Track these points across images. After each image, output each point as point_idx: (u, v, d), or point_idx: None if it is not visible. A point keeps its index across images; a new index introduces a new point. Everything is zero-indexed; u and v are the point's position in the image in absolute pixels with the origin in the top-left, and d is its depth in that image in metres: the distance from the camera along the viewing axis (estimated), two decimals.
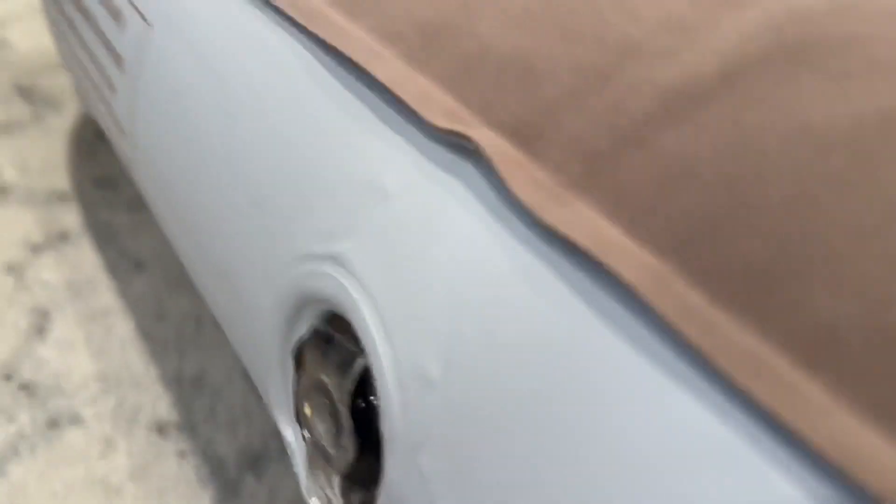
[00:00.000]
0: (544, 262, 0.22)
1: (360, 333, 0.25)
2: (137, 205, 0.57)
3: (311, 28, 0.30)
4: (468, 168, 0.25)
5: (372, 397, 0.27)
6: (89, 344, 0.46)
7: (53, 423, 0.41)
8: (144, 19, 0.40)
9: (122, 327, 0.47)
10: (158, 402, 0.42)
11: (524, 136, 0.24)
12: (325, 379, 0.27)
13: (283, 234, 0.30)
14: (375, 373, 0.25)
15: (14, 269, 0.52)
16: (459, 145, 0.25)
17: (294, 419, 0.31)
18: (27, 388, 0.43)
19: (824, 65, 0.22)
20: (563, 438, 0.20)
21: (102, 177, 0.59)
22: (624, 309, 0.20)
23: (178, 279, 0.50)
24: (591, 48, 0.25)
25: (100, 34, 0.45)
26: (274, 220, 0.30)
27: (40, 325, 0.47)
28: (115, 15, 0.43)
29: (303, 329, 0.29)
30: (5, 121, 0.66)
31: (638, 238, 0.20)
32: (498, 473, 0.22)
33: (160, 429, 0.41)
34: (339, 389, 0.27)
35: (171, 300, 0.49)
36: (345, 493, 0.28)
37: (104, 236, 0.54)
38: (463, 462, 0.23)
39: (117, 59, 0.43)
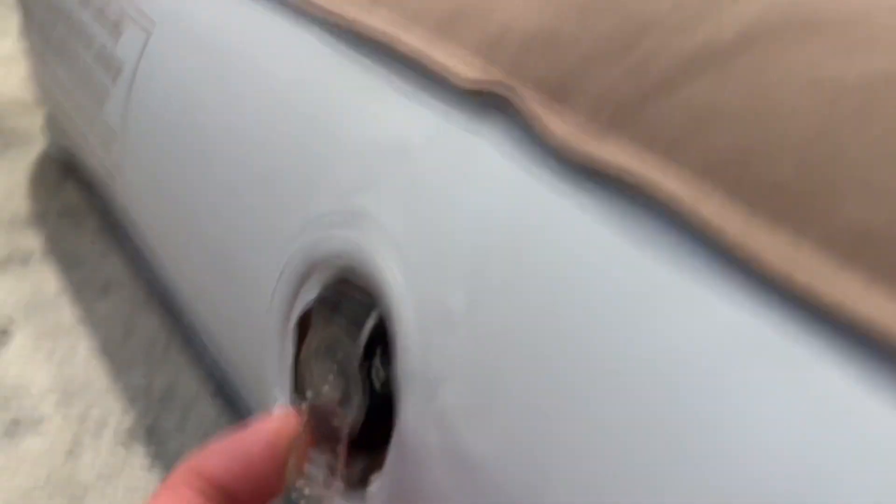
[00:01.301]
0: (575, 197, 0.23)
1: (379, 278, 0.26)
2: (104, 233, 0.56)
3: (328, 14, 0.32)
4: (493, 119, 0.26)
5: (381, 355, 0.27)
6: (51, 359, 0.44)
7: (13, 427, 0.40)
8: (142, 26, 0.41)
9: (87, 344, 0.46)
10: (125, 414, 0.41)
11: (553, 91, 0.25)
12: (334, 337, 0.27)
13: (293, 202, 0.30)
14: (395, 315, 0.25)
15: None
16: (484, 100, 0.26)
17: (292, 392, 0.30)
18: None
19: (830, 37, 0.24)
20: (601, 357, 0.20)
21: (68, 208, 0.58)
22: (656, 228, 0.21)
23: (146, 301, 0.49)
24: (611, 23, 0.26)
25: (94, 48, 0.46)
26: (283, 191, 0.31)
27: None
28: (113, 27, 0.44)
29: (310, 296, 0.29)
30: None
31: (674, 163, 0.21)
32: (529, 402, 0.22)
33: (128, 439, 0.39)
34: (351, 344, 0.27)
35: (138, 320, 0.47)
36: (349, 460, 0.27)
37: (69, 261, 0.53)
38: (490, 394, 0.23)
39: (112, 68, 0.43)
